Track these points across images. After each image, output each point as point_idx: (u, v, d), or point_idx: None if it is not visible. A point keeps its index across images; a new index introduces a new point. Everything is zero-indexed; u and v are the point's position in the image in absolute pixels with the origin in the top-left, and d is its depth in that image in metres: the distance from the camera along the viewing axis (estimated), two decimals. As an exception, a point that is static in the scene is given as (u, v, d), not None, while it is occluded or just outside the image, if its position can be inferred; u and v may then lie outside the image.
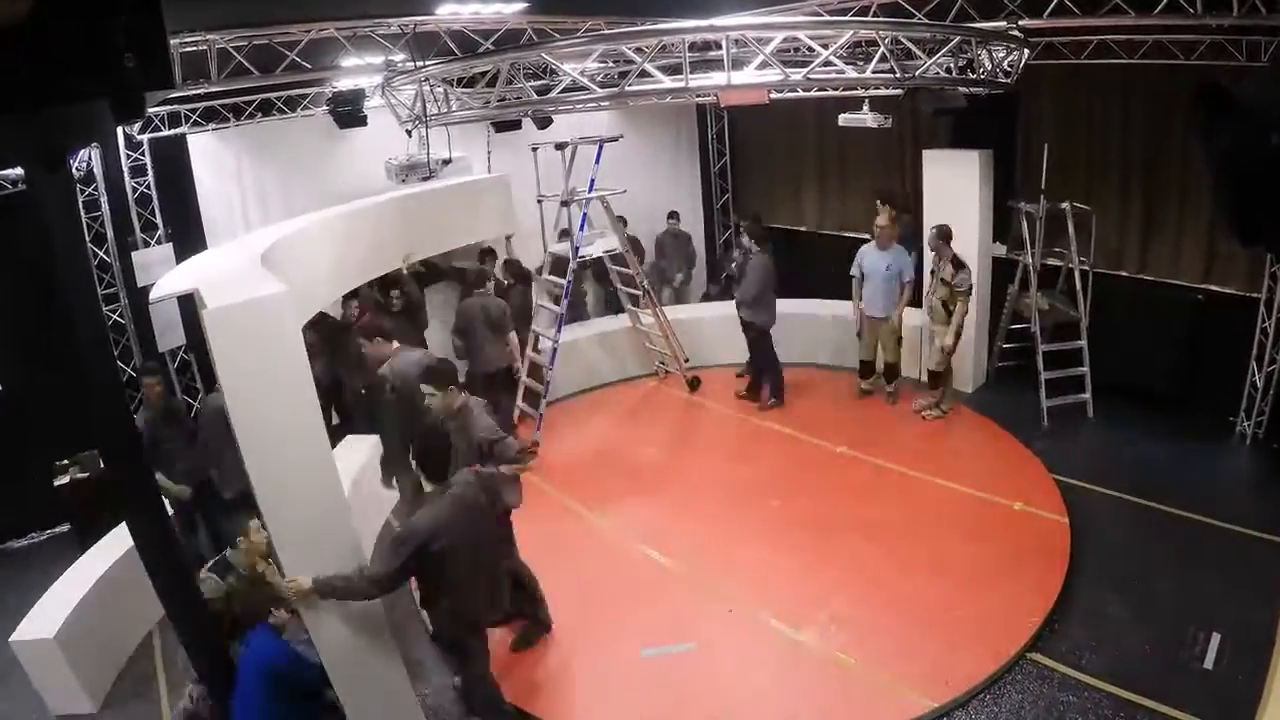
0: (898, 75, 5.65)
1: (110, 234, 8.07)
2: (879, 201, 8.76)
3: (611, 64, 7.59)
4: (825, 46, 5.46)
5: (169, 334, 8.22)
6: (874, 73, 5.66)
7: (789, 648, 5.28)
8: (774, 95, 6.03)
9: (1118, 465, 7.17)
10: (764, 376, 9.08)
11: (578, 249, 8.59)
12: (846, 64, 5.65)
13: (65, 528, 7.10)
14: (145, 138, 8.16)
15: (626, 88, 5.66)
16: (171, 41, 4.10)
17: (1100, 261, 8.15)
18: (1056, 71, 7.96)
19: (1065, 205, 7.80)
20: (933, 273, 8.13)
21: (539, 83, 6.96)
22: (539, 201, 9.36)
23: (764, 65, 5.40)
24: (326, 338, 7.80)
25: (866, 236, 10.57)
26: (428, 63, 6.61)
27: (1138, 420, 7.90)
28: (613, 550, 6.55)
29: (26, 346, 7.28)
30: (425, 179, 8.71)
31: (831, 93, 7.96)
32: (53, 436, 7.16)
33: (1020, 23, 6.11)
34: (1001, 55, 6.32)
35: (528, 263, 9.76)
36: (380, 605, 4.23)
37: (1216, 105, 1.97)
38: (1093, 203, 7.96)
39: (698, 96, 7.12)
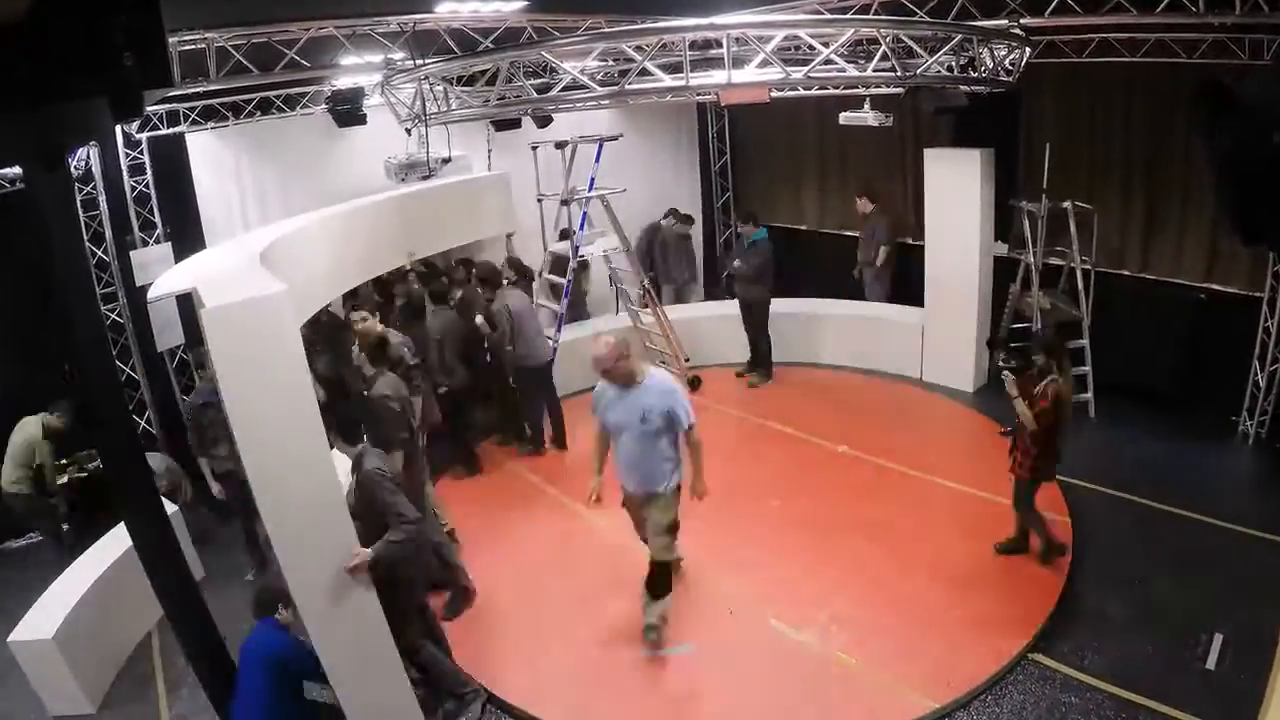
0: (899, 74, 5.63)
1: (109, 233, 8.05)
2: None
3: (611, 62, 7.56)
4: (826, 45, 5.44)
5: (168, 333, 8.20)
6: (875, 71, 5.63)
7: (789, 648, 5.27)
8: (775, 94, 6.00)
9: (1119, 465, 7.15)
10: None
11: (578, 248, 8.57)
12: (847, 62, 5.61)
13: (64, 528, 7.06)
14: (144, 136, 8.13)
15: (627, 86, 5.64)
16: (170, 40, 4.08)
17: (1102, 260, 8.13)
18: (1058, 70, 7.94)
19: (1067, 204, 7.78)
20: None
21: (539, 81, 6.94)
22: (539, 200, 9.35)
23: (765, 63, 5.37)
24: (327, 336, 7.78)
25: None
26: (427, 61, 6.59)
27: (1139, 419, 7.88)
28: (613, 550, 6.52)
29: (25, 346, 7.26)
30: (425, 178, 8.69)
31: (832, 91, 7.95)
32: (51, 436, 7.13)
33: (1022, 21, 6.09)
34: (1003, 54, 6.29)
35: (527, 262, 9.74)
36: (378, 604, 4.23)
37: (1219, 104, 1.96)
38: (1094, 201, 7.94)
39: (698, 95, 7.09)
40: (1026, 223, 8.02)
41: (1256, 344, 7.31)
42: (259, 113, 8.65)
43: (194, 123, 8.33)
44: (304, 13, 6.15)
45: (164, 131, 8.19)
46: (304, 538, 3.93)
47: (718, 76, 5.68)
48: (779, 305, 9.62)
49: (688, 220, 11.45)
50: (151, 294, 4.65)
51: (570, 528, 6.91)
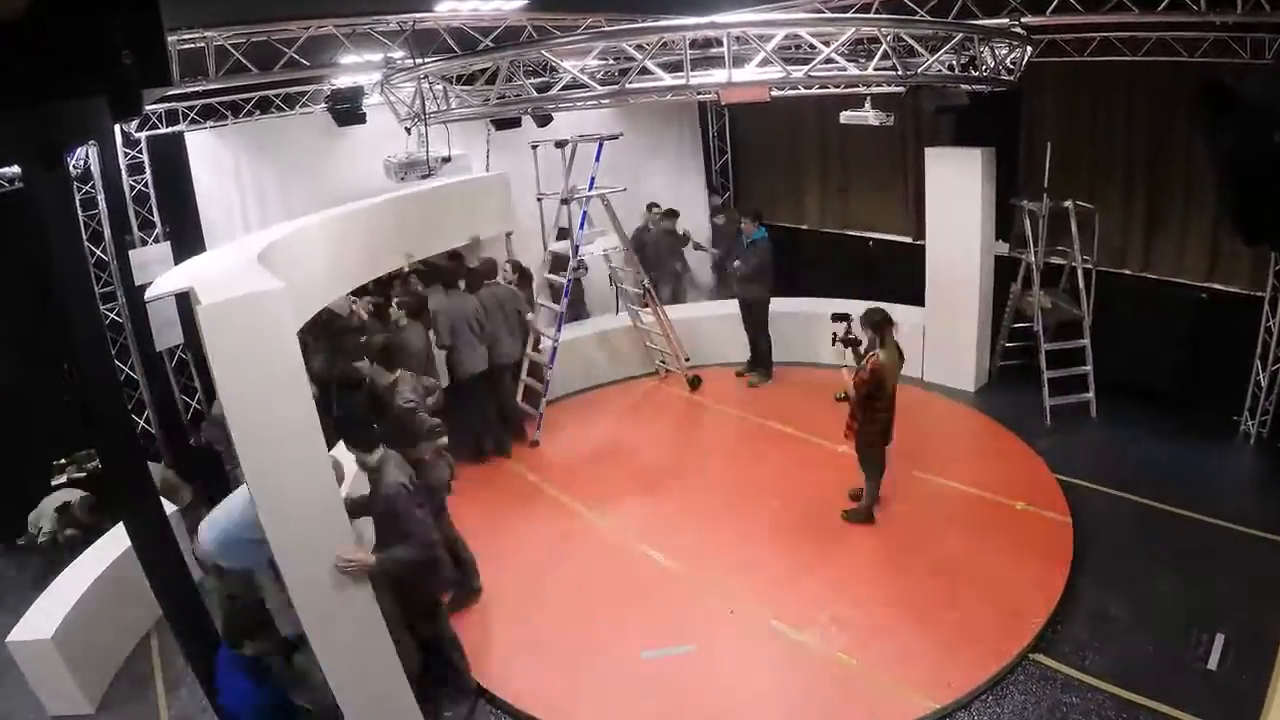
0: (900, 73, 5.62)
1: (108, 232, 8.03)
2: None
3: (612, 61, 7.56)
4: (827, 44, 5.42)
5: (166, 332, 8.19)
6: (876, 70, 5.62)
7: (790, 649, 5.26)
8: (775, 93, 5.99)
9: (1121, 464, 7.13)
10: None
11: (578, 247, 8.56)
12: (848, 61, 5.59)
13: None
14: (143, 135, 8.11)
15: (627, 85, 5.63)
16: (169, 38, 4.07)
17: (1103, 260, 8.11)
18: (1059, 69, 7.93)
19: (1068, 204, 7.77)
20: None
21: (539, 80, 6.93)
22: (539, 200, 9.34)
23: (765, 62, 5.35)
24: (327, 334, 7.75)
25: (868, 235, 10.65)
26: (427, 60, 6.58)
27: (1141, 419, 7.86)
28: (613, 550, 6.52)
29: (24, 345, 7.25)
30: (424, 177, 8.68)
31: (833, 90, 7.93)
32: (50, 436, 7.14)
33: (1023, 20, 6.08)
34: (1004, 52, 6.28)
35: (527, 262, 9.71)
36: (378, 609, 4.22)
37: (1220, 103, 1.95)
38: (1096, 201, 7.92)
39: (699, 94, 7.08)
40: (1028, 222, 8.01)
41: (1258, 344, 7.29)
42: (258, 111, 8.63)
43: (193, 122, 8.31)
44: (303, 11, 6.13)
45: (163, 130, 8.17)
46: (302, 535, 3.91)
47: (718, 75, 5.66)
48: (779, 305, 9.61)
49: (671, 215, 11.22)
50: (149, 293, 4.63)
51: (570, 527, 6.90)
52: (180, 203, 8.45)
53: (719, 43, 5.63)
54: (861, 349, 6.30)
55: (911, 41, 5.83)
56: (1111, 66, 7.57)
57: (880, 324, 6.04)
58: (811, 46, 5.53)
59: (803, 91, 7.79)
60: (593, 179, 8.65)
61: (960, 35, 5.83)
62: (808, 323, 9.92)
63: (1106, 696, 4.66)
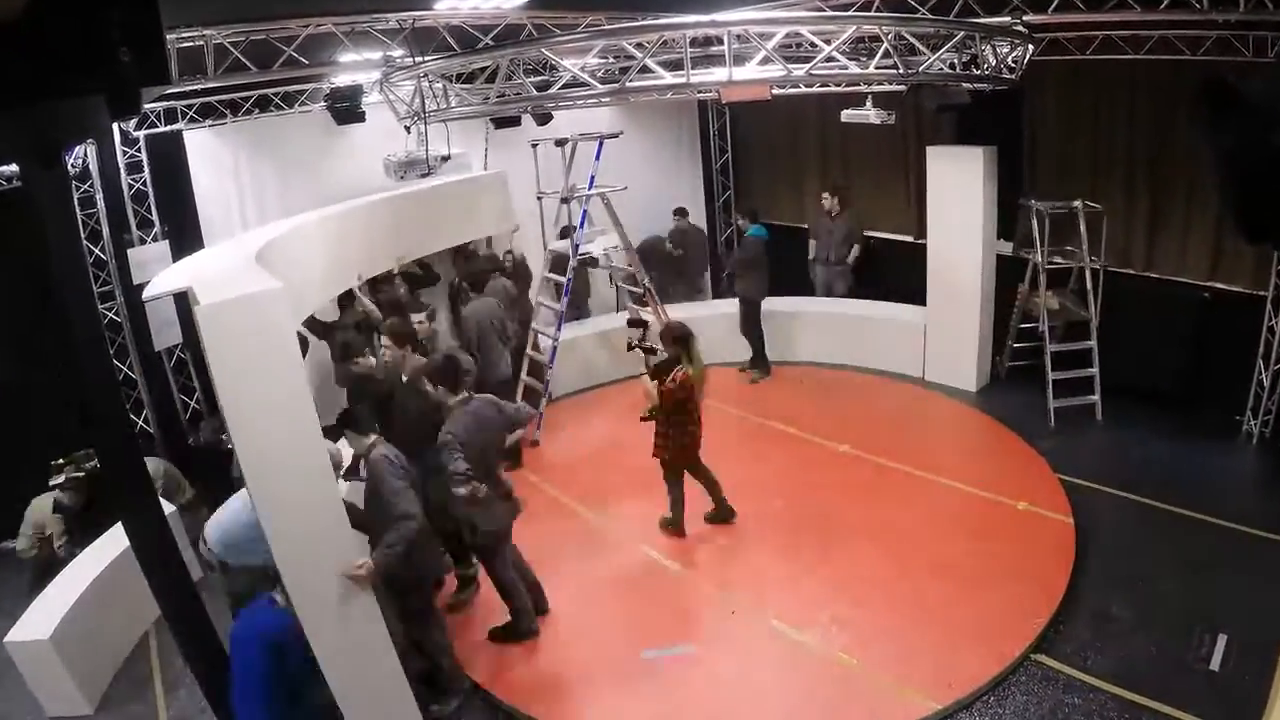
0: (901, 71, 5.60)
1: (106, 231, 8.01)
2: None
3: (612, 59, 7.54)
4: (828, 42, 5.40)
5: (165, 332, 8.17)
6: (877, 68, 5.60)
7: (791, 649, 5.25)
8: (776, 91, 5.98)
9: (1123, 464, 7.12)
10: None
11: (578, 246, 8.54)
12: (849, 60, 5.57)
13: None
14: (141, 134, 8.09)
15: (627, 84, 5.61)
16: (168, 37, 4.04)
17: (1107, 259, 8.10)
18: (1061, 67, 7.91)
19: (1076, 204, 7.76)
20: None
21: (539, 78, 6.90)
22: (539, 198, 9.32)
23: (766, 61, 5.33)
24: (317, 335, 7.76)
25: (869, 234, 10.62)
26: (426, 58, 6.56)
27: (1143, 419, 7.84)
28: (613, 550, 6.51)
29: (21, 345, 7.22)
30: (424, 175, 8.66)
31: (834, 88, 7.90)
32: (48, 435, 7.10)
33: (1024, 18, 6.06)
34: (1005, 51, 6.26)
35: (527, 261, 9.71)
36: (375, 602, 4.22)
37: (1222, 101, 1.93)
38: (1098, 200, 7.90)
39: (699, 92, 7.07)
40: (1034, 222, 7.99)
41: (1261, 343, 7.27)
42: (257, 110, 8.62)
43: (192, 120, 8.29)
44: (302, 9, 6.11)
45: (162, 129, 8.15)
46: (300, 534, 3.91)
47: (719, 74, 5.65)
48: (780, 304, 9.60)
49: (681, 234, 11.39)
50: (147, 293, 4.61)
51: (569, 527, 6.89)
52: (179, 201, 8.43)
53: (720, 41, 5.62)
54: (655, 359, 6.33)
55: (913, 40, 5.82)
56: (1113, 65, 7.55)
57: (681, 340, 6.12)
58: (812, 45, 5.51)
59: (804, 90, 7.77)
60: (593, 177, 8.64)
61: (961, 33, 5.81)
62: (809, 322, 9.94)
63: (1109, 697, 4.65)
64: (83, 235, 7.61)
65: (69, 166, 7.53)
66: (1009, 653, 4.98)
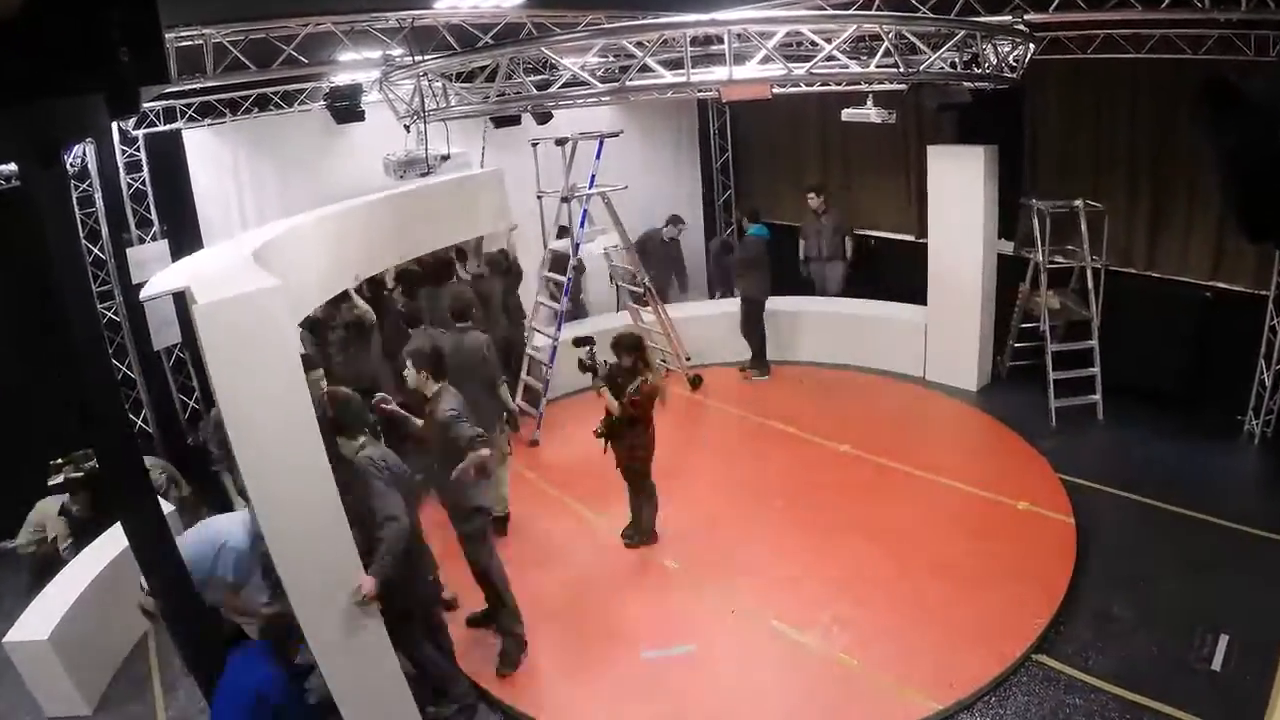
0: (901, 70, 5.60)
1: (105, 230, 8.00)
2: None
3: (612, 58, 7.53)
4: (828, 41, 5.40)
5: (164, 332, 8.16)
6: (877, 67, 5.60)
7: (791, 649, 5.23)
8: (776, 90, 5.97)
9: (1124, 464, 7.10)
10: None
11: (578, 246, 8.53)
12: (850, 58, 5.57)
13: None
14: (140, 133, 8.09)
15: (627, 83, 5.60)
16: (167, 35, 4.03)
17: (1109, 259, 8.09)
18: (1062, 66, 7.89)
19: (1078, 203, 7.75)
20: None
21: (539, 78, 6.89)
22: (539, 198, 9.30)
23: (766, 60, 5.33)
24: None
25: (870, 233, 10.63)
26: (426, 57, 6.55)
27: (1145, 419, 7.82)
28: (613, 550, 6.50)
29: (20, 345, 7.22)
30: (424, 175, 8.64)
31: (834, 87, 7.91)
32: (47, 435, 7.09)
33: (1025, 17, 6.05)
34: (1006, 50, 6.25)
35: (527, 261, 9.66)
36: (377, 611, 4.20)
37: (1224, 100, 1.92)
38: (1100, 199, 7.89)
39: (699, 91, 7.05)
40: (1036, 221, 7.97)
41: (1262, 343, 7.25)
42: (256, 109, 8.61)
43: (191, 119, 8.28)
44: (302, 8, 6.10)
45: (161, 128, 8.14)
46: (298, 535, 3.90)
47: (719, 73, 5.64)
48: (781, 303, 9.58)
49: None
50: (145, 292, 4.60)
51: (569, 527, 6.88)
52: (178, 201, 8.42)
53: (720, 40, 5.61)
54: (603, 375, 6.17)
55: (913, 39, 5.81)
56: (1114, 64, 7.53)
57: (635, 348, 6.03)
58: (813, 44, 5.51)
59: (804, 89, 7.77)
60: (593, 177, 8.62)
61: (962, 32, 5.81)
62: (809, 321, 9.92)
63: (1110, 697, 4.63)
64: (82, 235, 7.60)
65: (68, 166, 7.52)
66: (1010, 653, 4.97)
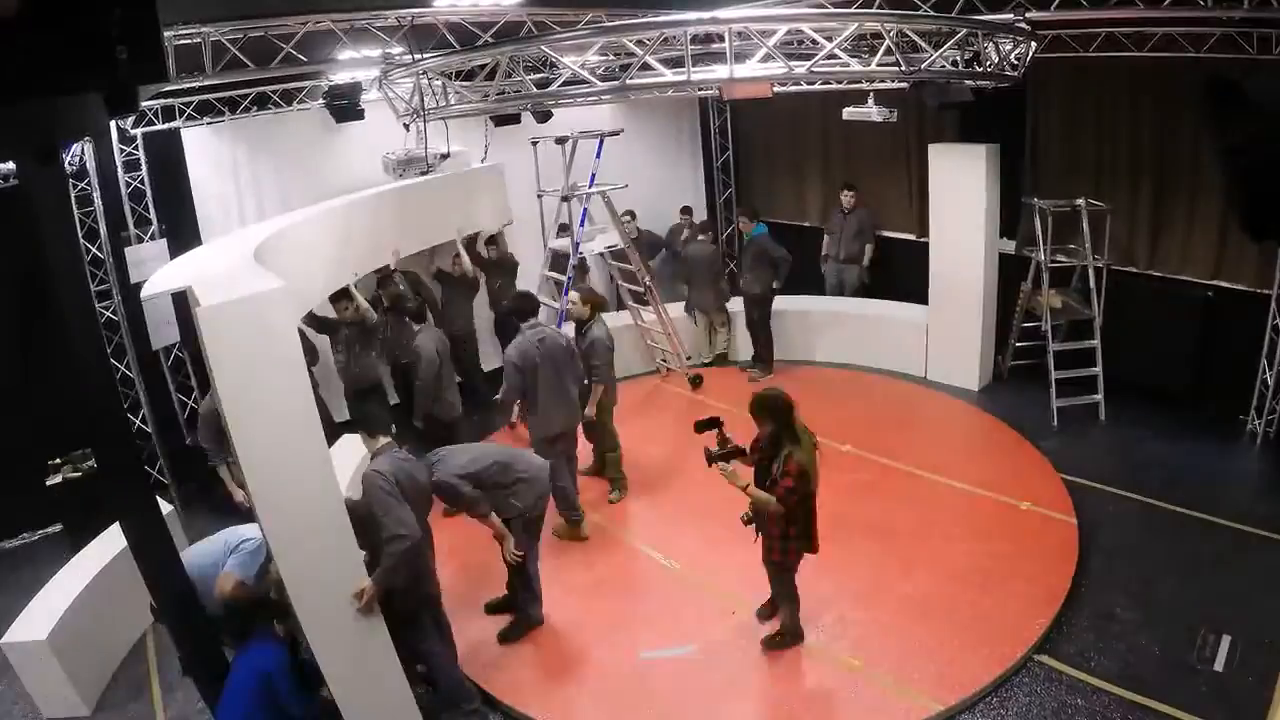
0: (903, 68, 5.57)
1: (103, 230, 7.96)
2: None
3: (612, 57, 7.50)
4: (829, 39, 5.37)
5: (163, 331, 8.12)
6: (879, 66, 5.57)
7: (792, 650, 5.22)
8: (777, 89, 5.95)
9: (1126, 464, 7.09)
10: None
11: (578, 244, 8.51)
12: (851, 57, 5.55)
13: (58, 528, 7.01)
14: (139, 132, 8.05)
15: (628, 81, 5.58)
16: (165, 34, 4.01)
17: (1111, 257, 8.08)
18: (1064, 65, 7.87)
19: (1080, 202, 7.73)
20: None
21: (538, 76, 6.87)
22: (539, 196, 9.28)
23: (767, 58, 5.31)
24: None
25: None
26: (426, 56, 6.52)
27: (1147, 419, 7.81)
28: (613, 550, 6.49)
29: (18, 344, 7.20)
30: (423, 173, 8.61)
31: (836, 86, 7.88)
32: (45, 435, 7.08)
33: (1027, 15, 6.03)
34: (1008, 48, 6.23)
35: (527, 260, 9.64)
36: (379, 611, 4.19)
37: (1228, 99, 1.91)
38: (1101, 198, 7.88)
39: (700, 90, 7.03)
40: (1037, 220, 7.95)
41: (1265, 342, 7.23)
42: (255, 108, 8.57)
43: (190, 118, 8.24)
44: (301, 6, 6.07)
45: (159, 127, 8.11)
46: (302, 538, 3.88)
47: (720, 71, 5.62)
48: (782, 303, 9.55)
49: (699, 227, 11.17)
50: (145, 292, 4.58)
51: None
52: (177, 200, 8.38)
53: (721, 38, 5.58)
54: (751, 451, 4.95)
55: (915, 37, 5.79)
56: (1117, 63, 7.51)
57: (782, 409, 4.73)
58: (814, 42, 5.48)
59: (805, 87, 7.75)
60: (593, 175, 8.60)
61: (964, 31, 5.78)
62: (810, 320, 9.90)
63: (1112, 698, 4.62)
64: (80, 234, 7.57)
65: (66, 164, 7.49)
66: (1012, 653, 4.96)
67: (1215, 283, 7.67)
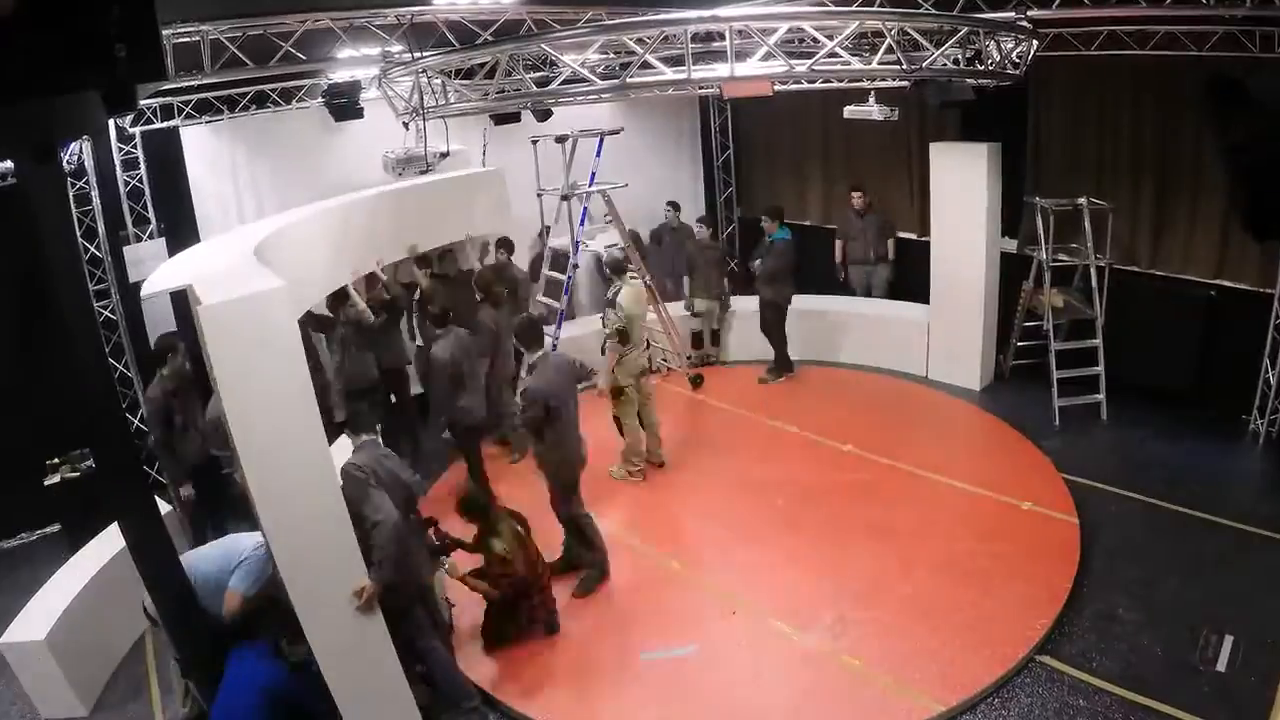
0: (904, 67, 5.57)
1: (102, 229, 7.94)
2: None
3: (612, 55, 7.48)
4: (830, 37, 5.36)
5: (162, 330, 8.10)
6: (880, 64, 5.57)
7: (793, 650, 5.21)
8: (778, 87, 5.93)
9: (1128, 464, 7.07)
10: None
11: (578, 244, 8.50)
12: (852, 55, 5.55)
13: (56, 528, 6.99)
14: (137, 130, 8.04)
15: (628, 80, 5.57)
16: (164, 32, 3.99)
17: (1113, 256, 8.06)
18: (1066, 63, 7.85)
19: (1082, 201, 7.71)
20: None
21: (538, 74, 6.85)
22: (539, 195, 9.27)
23: (768, 56, 5.30)
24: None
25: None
26: (425, 54, 6.51)
27: (1149, 418, 7.80)
28: (613, 550, 6.44)
29: (16, 343, 7.18)
30: (423, 172, 8.60)
31: (836, 84, 7.86)
32: (43, 434, 7.06)
33: (1029, 13, 6.03)
34: (1010, 47, 6.22)
35: (519, 259, 9.60)
36: (379, 611, 4.18)
37: (1231, 98, 1.91)
38: (1103, 197, 7.87)
39: (700, 88, 7.01)
40: (1039, 219, 7.93)
41: (1267, 341, 7.21)
42: (254, 106, 8.57)
43: (188, 116, 8.24)
44: (300, 5, 6.06)
45: (158, 125, 8.11)
46: (302, 538, 3.88)
47: (720, 70, 5.60)
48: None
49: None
50: (144, 291, 4.56)
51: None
52: (175, 199, 8.38)
53: (721, 37, 5.57)
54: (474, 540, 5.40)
55: (916, 35, 5.78)
56: (1119, 61, 7.50)
57: (477, 508, 5.37)
58: (815, 40, 5.49)
59: (806, 86, 7.73)
60: (594, 174, 8.59)
61: (965, 29, 5.78)
62: (811, 320, 9.87)
63: (1114, 699, 4.61)
64: (78, 232, 7.56)
65: (64, 163, 7.47)
66: (1013, 654, 4.94)
67: (1217, 282, 7.66)
